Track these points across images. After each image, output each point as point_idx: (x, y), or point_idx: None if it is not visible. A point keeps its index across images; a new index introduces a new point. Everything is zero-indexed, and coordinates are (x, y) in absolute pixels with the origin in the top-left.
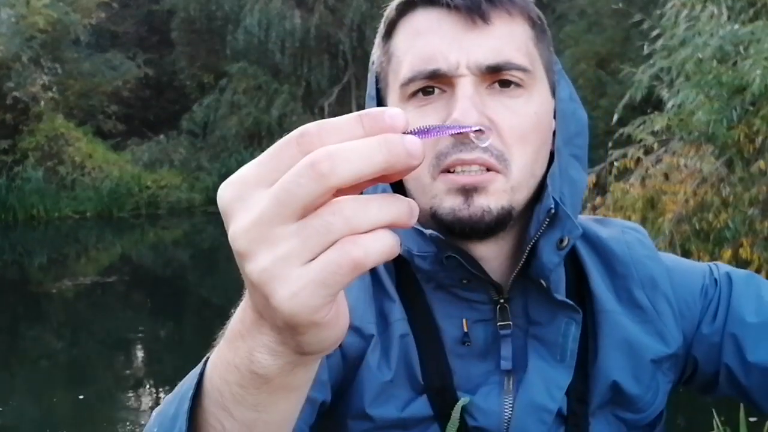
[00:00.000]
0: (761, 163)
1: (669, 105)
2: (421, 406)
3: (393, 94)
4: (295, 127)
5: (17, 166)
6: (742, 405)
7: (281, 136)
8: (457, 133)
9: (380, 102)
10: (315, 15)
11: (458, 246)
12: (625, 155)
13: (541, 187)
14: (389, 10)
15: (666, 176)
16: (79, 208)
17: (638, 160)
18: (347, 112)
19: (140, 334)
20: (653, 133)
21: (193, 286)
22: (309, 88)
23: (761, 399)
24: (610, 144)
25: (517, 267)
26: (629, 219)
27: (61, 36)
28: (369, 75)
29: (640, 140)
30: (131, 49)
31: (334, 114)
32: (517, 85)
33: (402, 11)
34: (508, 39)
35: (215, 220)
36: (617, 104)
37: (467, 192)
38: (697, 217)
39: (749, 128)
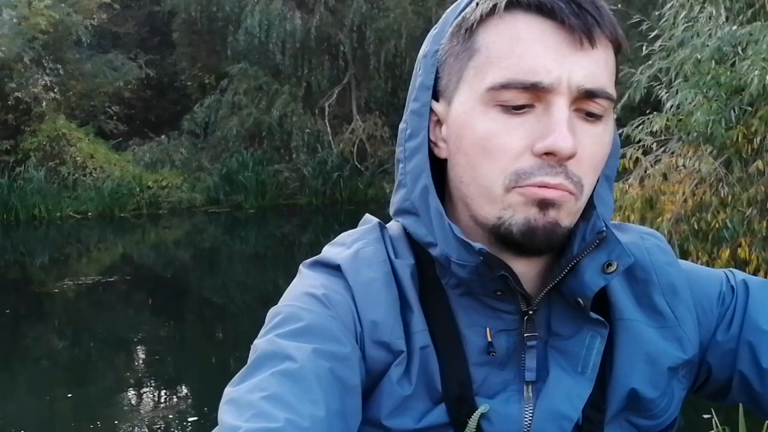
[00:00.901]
0: (759, 164)
1: (668, 105)
2: (439, 415)
3: (469, 92)
4: (296, 128)
5: (19, 166)
6: (741, 405)
7: (282, 137)
8: None
9: (434, 94)
10: (315, 16)
11: (502, 260)
12: (623, 155)
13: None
14: (483, 4)
15: (665, 176)
16: (80, 208)
17: (637, 161)
18: (347, 113)
19: (141, 334)
20: (652, 134)
21: (194, 285)
22: (309, 89)
23: None
24: None
25: (551, 282)
26: (628, 219)
27: (63, 37)
28: (425, 63)
29: (639, 140)
30: (132, 50)
31: (334, 115)
32: (600, 113)
33: (500, 9)
34: (604, 66)
35: (216, 220)
36: (616, 105)
37: (545, 205)
38: (695, 217)
39: (747, 129)
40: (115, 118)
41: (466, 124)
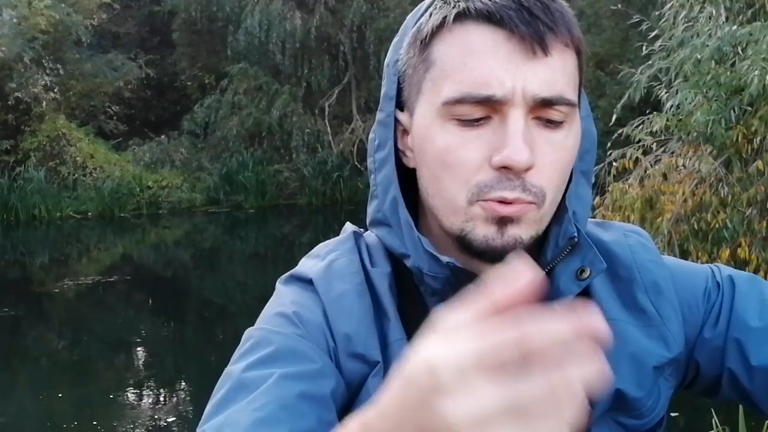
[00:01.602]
0: (759, 164)
1: (667, 105)
2: None
3: (427, 105)
4: (296, 128)
5: (19, 166)
6: (741, 405)
7: (282, 137)
8: None
9: (400, 104)
10: (315, 16)
11: (472, 268)
12: (623, 155)
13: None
14: (435, 15)
15: (664, 176)
16: (80, 208)
17: (637, 161)
18: (347, 113)
19: (141, 334)
20: (652, 134)
21: (194, 285)
22: (309, 89)
23: (764, 402)
24: (608, 144)
25: None
26: (628, 219)
27: (63, 37)
28: (388, 73)
29: (639, 140)
30: (132, 49)
31: (334, 115)
32: (560, 120)
33: (449, 21)
34: (561, 72)
35: (216, 220)
36: (616, 105)
37: (503, 222)
38: (695, 217)
39: (747, 129)
40: (115, 118)
41: (426, 137)
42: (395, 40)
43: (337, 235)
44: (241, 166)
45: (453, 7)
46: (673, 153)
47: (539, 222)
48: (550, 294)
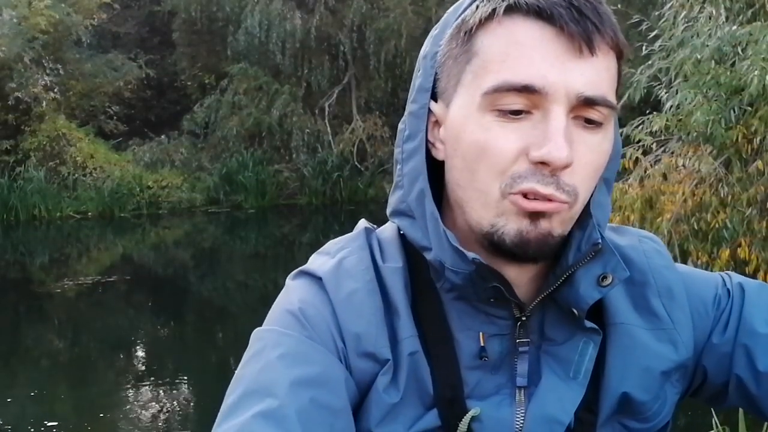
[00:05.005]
0: (759, 164)
1: (667, 105)
2: (431, 419)
3: (466, 95)
4: (296, 128)
5: (19, 166)
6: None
7: (282, 137)
8: None
9: (433, 96)
10: (315, 16)
11: (494, 267)
12: (623, 155)
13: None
14: (483, 7)
15: (664, 176)
16: (80, 208)
17: (636, 161)
18: (348, 113)
19: (141, 334)
20: (652, 134)
21: (194, 285)
22: (309, 89)
23: None
24: None
25: (546, 290)
26: (628, 219)
27: (63, 37)
28: (425, 65)
29: (639, 140)
30: (133, 49)
31: (334, 115)
32: (600, 121)
33: (499, 13)
34: (605, 73)
35: (216, 220)
36: (616, 106)
37: (535, 216)
38: (695, 217)
39: (747, 129)
40: (115, 118)
41: (463, 128)
42: (435, 32)
43: (337, 235)
44: (241, 166)
45: (503, 0)
46: (673, 153)
47: (569, 222)
48: (570, 299)
